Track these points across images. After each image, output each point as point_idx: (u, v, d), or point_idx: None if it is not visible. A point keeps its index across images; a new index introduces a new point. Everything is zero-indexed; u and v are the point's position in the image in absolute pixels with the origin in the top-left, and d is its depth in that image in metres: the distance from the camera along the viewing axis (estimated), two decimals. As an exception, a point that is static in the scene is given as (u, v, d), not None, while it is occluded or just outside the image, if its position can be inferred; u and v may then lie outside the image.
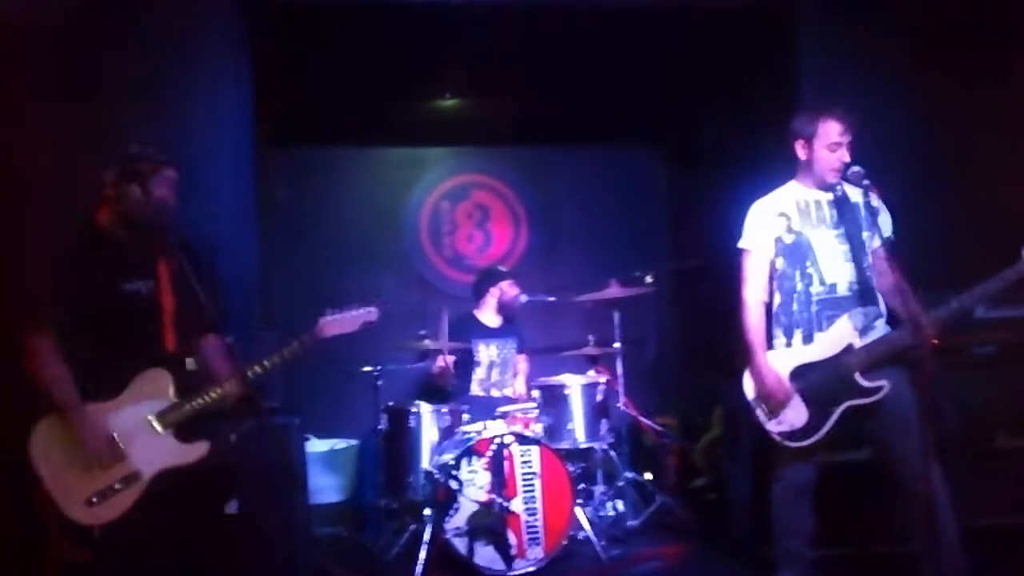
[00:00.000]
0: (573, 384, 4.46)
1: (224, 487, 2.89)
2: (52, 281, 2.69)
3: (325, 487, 4.97)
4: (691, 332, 6.28)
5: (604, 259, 5.95)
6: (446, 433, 4.35)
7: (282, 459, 3.58)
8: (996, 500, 3.73)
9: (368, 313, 2.92)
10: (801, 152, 3.22)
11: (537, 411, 4.48)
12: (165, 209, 2.70)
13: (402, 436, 4.35)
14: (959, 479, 3.06)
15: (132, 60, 4.05)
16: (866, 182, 3.05)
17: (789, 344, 3.22)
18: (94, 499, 2.55)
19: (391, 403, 4.52)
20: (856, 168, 3.07)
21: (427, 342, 4.69)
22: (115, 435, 2.61)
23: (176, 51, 4.11)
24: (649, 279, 4.98)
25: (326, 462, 5.03)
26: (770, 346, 3.25)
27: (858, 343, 3.11)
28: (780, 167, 3.37)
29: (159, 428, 2.65)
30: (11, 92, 3.77)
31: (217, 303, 2.79)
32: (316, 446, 5.02)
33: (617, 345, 4.88)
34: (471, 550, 3.85)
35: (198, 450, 2.70)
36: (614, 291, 4.87)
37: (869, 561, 3.63)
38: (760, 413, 3.22)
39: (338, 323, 2.88)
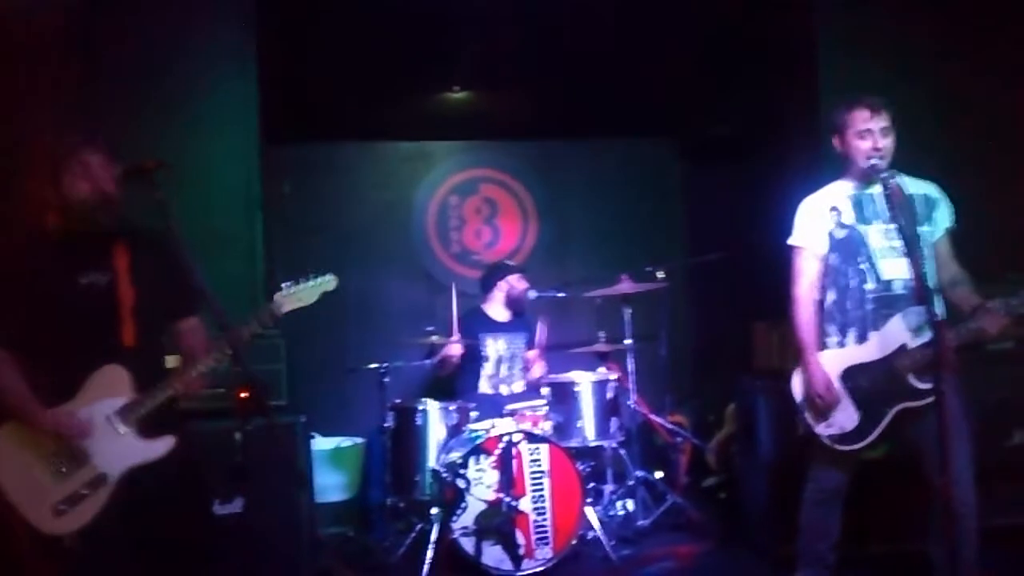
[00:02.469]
0: (583, 381, 4.42)
1: (202, 483, 2.79)
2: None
3: (330, 486, 4.92)
4: (704, 329, 6.23)
5: (615, 254, 5.88)
6: (453, 431, 4.30)
7: (287, 458, 3.53)
8: (1013, 499, 3.70)
9: (325, 283, 2.78)
10: (837, 145, 3.15)
11: (546, 408, 4.43)
12: (110, 196, 2.54)
13: (409, 434, 4.31)
14: (976, 478, 3.00)
15: (135, 54, 4.06)
16: (885, 174, 2.96)
17: (843, 343, 3.14)
18: (61, 506, 2.46)
19: (398, 401, 4.49)
20: (875, 161, 3.00)
21: (434, 338, 4.63)
22: (76, 436, 2.51)
23: (180, 46, 4.11)
24: (661, 274, 4.94)
25: (331, 460, 4.98)
26: (823, 344, 3.17)
27: (912, 343, 3.01)
28: (798, 159, 3.30)
29: (120, 427, 2.56)
30: (10, 88, 3.72)
31: (192, 287, 2.62)
32: (321, 444, 4.98)
33: (628, 341, 4.82)
34: (479, 550, 3.80)
35: (164, 445, 2.58)
36: (625, 286, 4.80)
37: (881, 560, 3.62)
38: (808, 416, 3.13)
39: (295, 296, 2.73)
